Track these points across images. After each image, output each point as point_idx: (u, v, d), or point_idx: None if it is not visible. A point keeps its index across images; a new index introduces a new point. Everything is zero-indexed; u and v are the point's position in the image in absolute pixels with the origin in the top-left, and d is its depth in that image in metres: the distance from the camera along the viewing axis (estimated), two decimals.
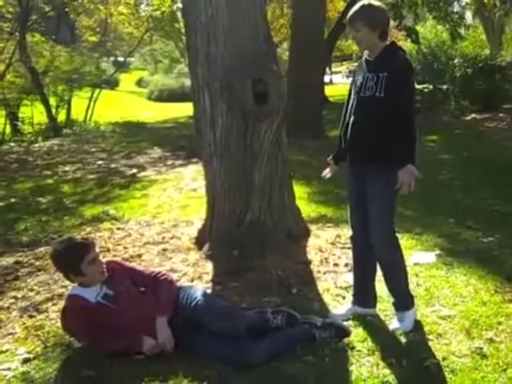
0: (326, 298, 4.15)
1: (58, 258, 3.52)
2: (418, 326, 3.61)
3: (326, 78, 28.66)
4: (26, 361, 3.47)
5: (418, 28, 16.85)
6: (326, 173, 3.94)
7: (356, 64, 3.89)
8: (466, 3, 25.55)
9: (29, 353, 3.57)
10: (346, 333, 3.51)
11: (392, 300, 3.74)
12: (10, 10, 18.38)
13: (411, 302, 3.71)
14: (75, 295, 3.54)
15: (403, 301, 3.69)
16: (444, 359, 3.24)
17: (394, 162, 3.36)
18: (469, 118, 15.08)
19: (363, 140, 3.53)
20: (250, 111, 4.68)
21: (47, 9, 20.64)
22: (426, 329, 3.59)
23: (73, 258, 3.41)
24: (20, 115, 19.79)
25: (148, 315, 3.44)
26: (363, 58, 3.66)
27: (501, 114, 14.91)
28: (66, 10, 22.04)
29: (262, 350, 3.28)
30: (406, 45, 15.86)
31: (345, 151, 3.73)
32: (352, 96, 3.69)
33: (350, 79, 3.93)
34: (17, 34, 18.27)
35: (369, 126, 3.49)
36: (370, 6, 3.51)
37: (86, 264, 3.42)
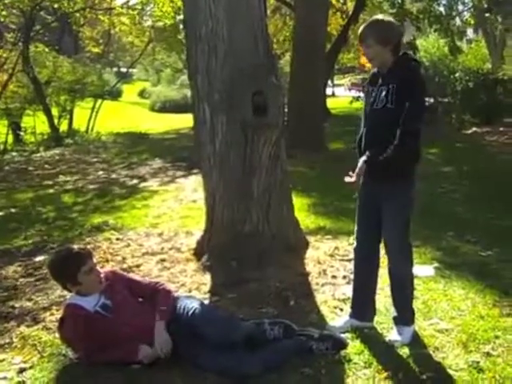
0: (324, 310, 4.14)
1: (55, 268, 3.54)
2: (415, 339, 3.60)
3: (329, 91, 28.76)
4: (21, 370, 3.46)
5: (420, 41, 16.92)
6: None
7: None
8: (467, 18, 25.63)
9: (25, 362, 3.56)
10: (343, 345, 3.50)
11: (393, 314, 3.72)
12: (14, 20, 18.47)
13: (412, 318, 3.69)
14: (73, 304, 3.53)
15: (405, 316, 3.67)
16: (441, 373, 3.23)
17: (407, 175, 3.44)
18: (470, 131, 15.10)
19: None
20: (250, 123, 4.70)
21: (50, 19, 20.72)
22: (423, 342, 3.57)
23: (69, 268, 3.42)
24: (22, 125, 19.92)
25: (146, 325, 3.43)
26: (375, 70, 3.61)
27: (502, 128, 14.91)
28: (69, 20, 22.16)
29: (258, 361, 3.28)
30: None
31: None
32: (366, 108, 3.63)
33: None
34: (20, 44, 18.39)
35: (380, 138, 3.42)
36: (380, 21, 3.49)
37: (82, 274, 3.42)
